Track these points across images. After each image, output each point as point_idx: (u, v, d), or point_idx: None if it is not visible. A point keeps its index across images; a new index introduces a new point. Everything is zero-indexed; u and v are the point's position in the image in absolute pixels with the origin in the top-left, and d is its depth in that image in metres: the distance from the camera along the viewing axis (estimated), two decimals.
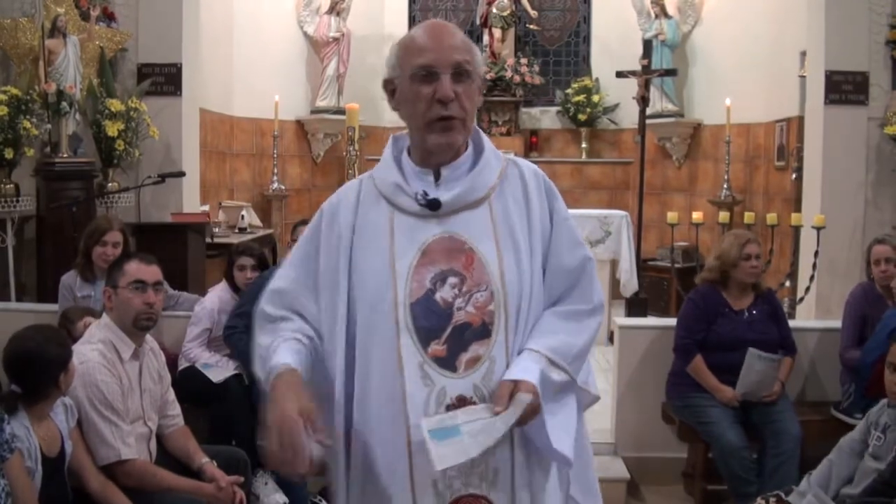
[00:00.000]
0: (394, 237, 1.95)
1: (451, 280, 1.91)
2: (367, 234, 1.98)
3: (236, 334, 4.43)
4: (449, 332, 1.89)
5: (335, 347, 1.96)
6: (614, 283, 7.59)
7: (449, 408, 1.85)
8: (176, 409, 3.62)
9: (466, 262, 1.92)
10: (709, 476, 4.57)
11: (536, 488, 1.95)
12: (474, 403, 1.86)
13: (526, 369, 1.87)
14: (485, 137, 2.06)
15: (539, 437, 1.91)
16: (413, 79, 1.92)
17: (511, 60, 10.34)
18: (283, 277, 2.08)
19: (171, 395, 3.63)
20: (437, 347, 1.88)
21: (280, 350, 1.93)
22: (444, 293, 1.90)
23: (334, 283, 1.97)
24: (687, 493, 4.81)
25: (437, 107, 1.90)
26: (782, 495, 3.40)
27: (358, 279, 1.95)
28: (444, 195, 1.95)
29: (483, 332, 1.90)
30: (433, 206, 1.94)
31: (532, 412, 1.84)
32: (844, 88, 6.55)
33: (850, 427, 3.69)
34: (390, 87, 2.01)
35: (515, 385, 1.84)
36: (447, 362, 1.88)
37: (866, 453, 3.35)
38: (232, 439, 4.27)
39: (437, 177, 1.98)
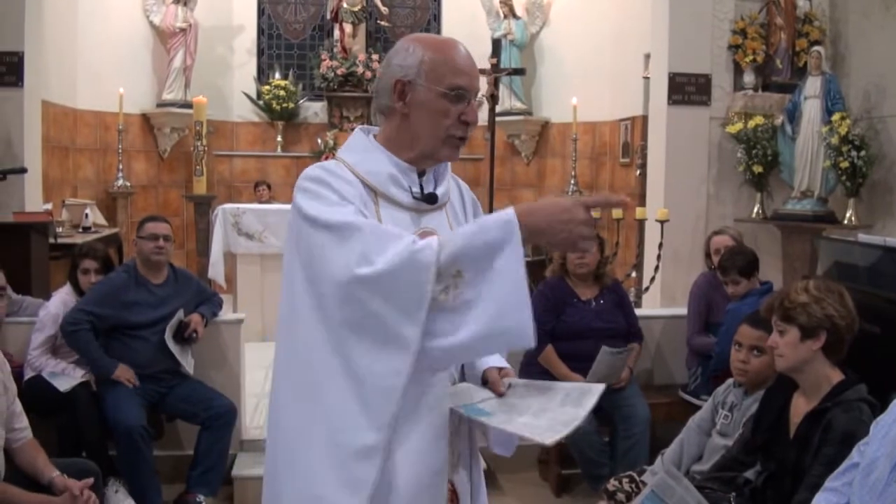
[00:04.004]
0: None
1: None
2: None
3: (81, 332, 4.25)
4: None
5: None
6: None
7: None
8: (23, 422, 3.40)
9: None
10: (563, 461, 4.70)
11: (478, 463, 2.19)
12: None
13: (498, 359, 2.09)
14: None
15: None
16: (445, 95, 1.98)
17: (362, 56, 10.31)
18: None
19: (18, 406, 3.41)
20: None
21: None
22: None
23: None
24: (542, 478, 4.92)
25: (462, 127, 2.01)
26: (634, 475, 3.44)
27: None
28: (436, 191, 2.07)
29: None
30: (431, 199, 2.04)
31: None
32: (687, 90, 6.72)
33: (698, 408, 3.81)
34: (402, 87, 2.00)
35: (500, 371, 2.05)
36: None
37: (714, 431, 3.49)
38: (82, 450, 4.09)
39: (421, 175, 2.07)
